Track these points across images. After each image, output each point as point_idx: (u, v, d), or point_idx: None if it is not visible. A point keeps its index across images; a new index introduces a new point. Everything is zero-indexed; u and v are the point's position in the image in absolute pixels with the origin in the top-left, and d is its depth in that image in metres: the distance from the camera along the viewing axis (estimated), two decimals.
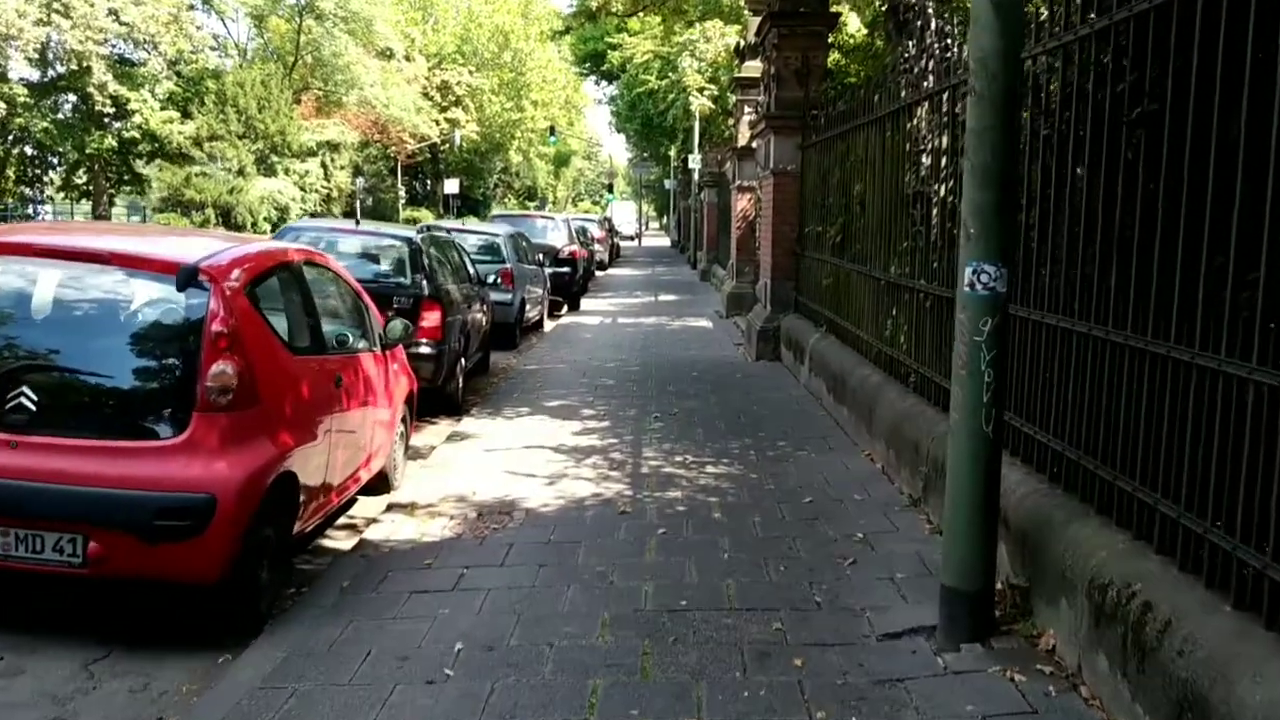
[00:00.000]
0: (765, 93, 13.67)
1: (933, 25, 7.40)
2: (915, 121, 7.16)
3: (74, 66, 39.77)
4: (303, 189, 42.67)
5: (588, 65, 46.82)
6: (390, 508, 6.72)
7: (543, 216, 21.81)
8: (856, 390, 8.19)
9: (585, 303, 22.74)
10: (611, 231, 42.39)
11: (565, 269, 20.38)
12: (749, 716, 3.72)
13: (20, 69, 39.22)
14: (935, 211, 6.64)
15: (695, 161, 32.84)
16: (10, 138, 41.34)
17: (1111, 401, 4.09)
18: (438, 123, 60.93)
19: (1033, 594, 4.38)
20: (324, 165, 44.53)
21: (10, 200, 44.06)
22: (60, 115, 43.34)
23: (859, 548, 5.59)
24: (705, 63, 23.00)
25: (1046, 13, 4.83)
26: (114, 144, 42.33)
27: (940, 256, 6.49)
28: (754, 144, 16.98)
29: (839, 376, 8.94)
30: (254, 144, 41.35)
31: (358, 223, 9.75)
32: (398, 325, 7.00)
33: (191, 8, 44.72)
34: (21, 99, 38.60)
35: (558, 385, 11.25)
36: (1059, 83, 4.64)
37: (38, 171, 45.02)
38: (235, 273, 4.97)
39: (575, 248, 20.62)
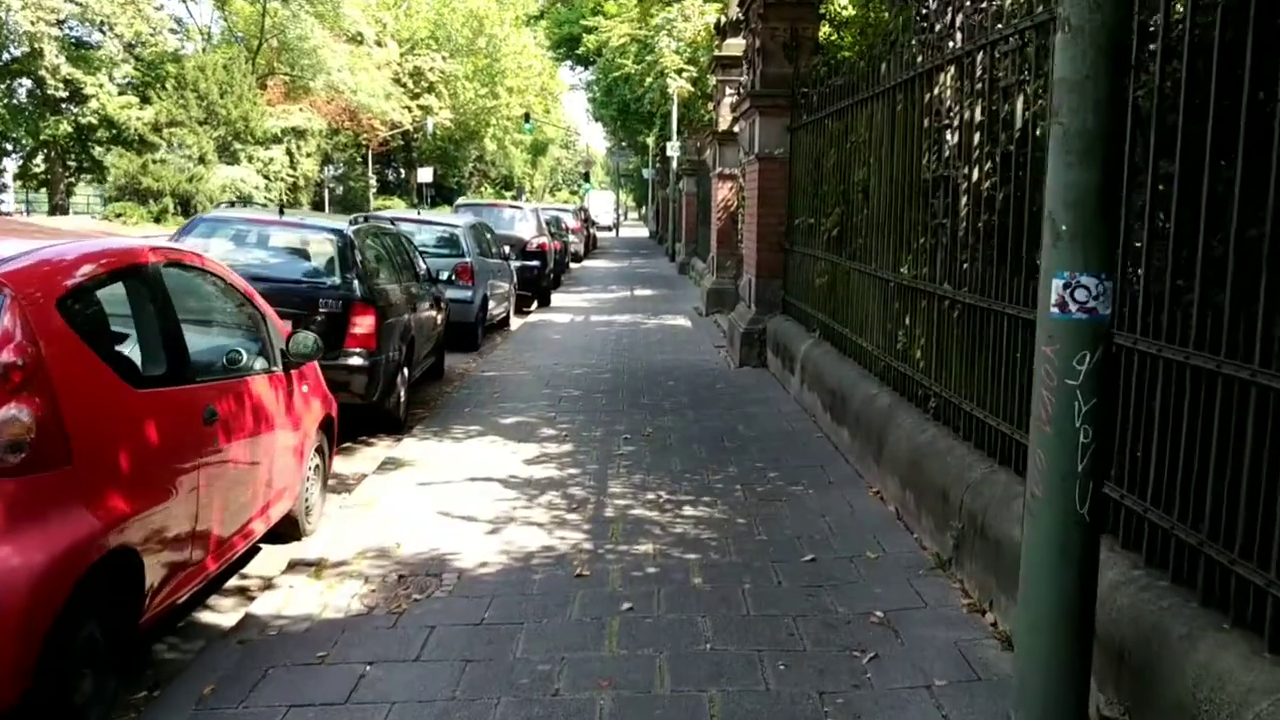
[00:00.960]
0: (749, 70, 12.39)
1: None
2: (937, 91, 5.91)
3: (26, 49, 38.08)
4: (267, 177, 41.11)
5: (562, 50, 45.31)
6: (293, 566, 5.42)
7: (510, 206, 20.47)
8: (861, 412, 6.94)
9: (556, 298, 21.44)
10: (587, 222, 41.06)
11: (534, 262, 19.06)
12: None
13: None
14: (965, 200, 5.39)
15: (673, 149, 31.50)
16: None
17: (1258, 469, 2.85)
18: (410, 110, 59.40)
19: None
20: (289, 153, 42.95)
21: None
22: (14, 100, 41.64)
23: (879, 634, 4.34)
24: (684, 43, 21.75)
25: None
26: (70, 130, 40.63)
27: (972, 256, 5.24)
28: (736, 127, 15.72)
29: (838, 393, 7.69)
30: (215, 130, 39.75)
31: (281, 212, 8.41)
32: (304, 339, 5.69)
33: None
34: None
35: (517, 396, 9.96)
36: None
37: None
38: (43, 281, 3.66)
39: (544, 239, 19.30)
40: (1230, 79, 3.10)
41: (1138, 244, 3.65)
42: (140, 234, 35.21)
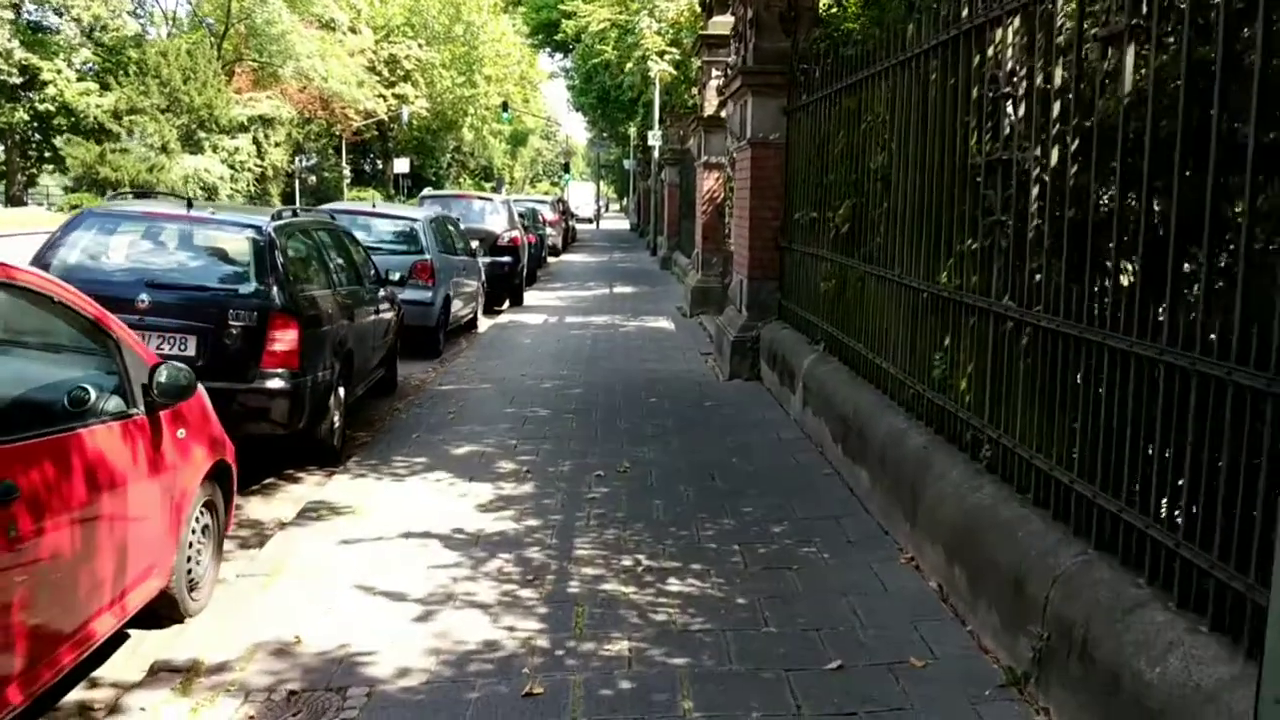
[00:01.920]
0: (740, 46, 11.08)
1: None
2: (993, 52, 4.62)
3: None
4: (233, 167, 39.54)
5: (541, 36, 43.87)
6: (156, 672, 4.11)
7: (480, 198, 19.09)
8: (886, 452, 5.66)
9: (531, 295, 20.10)
10: (566, 214, 39.66)
11: (505, 258, 17.70)
12: None
13: None
14: (1037, 191, 4.11)
15: (655, 138, 30.17)
16: None
17: None
18: (385, 98, 57.83)
19: None
20: (256, 142, 41.36)
21: None
22: None
23: None
24: (666, 23, 20.43)
25: None
26: (25, 118, 38.94)
27: (1047, 265, 3.97)
28: (724, 112, 14.43)
29: (852, 422, 6.41)
30: (178, 119, 38.13)
31: (190, 205, 7.06)
32: (173, 372, 4.35)
33: None
34: None
35: (476, 417, 8.65)
36: None
37: None
38: None
39: (516, 234, 17.95)
40: None
41: None
42: None
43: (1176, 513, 3.12)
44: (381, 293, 9.94)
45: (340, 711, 3.73)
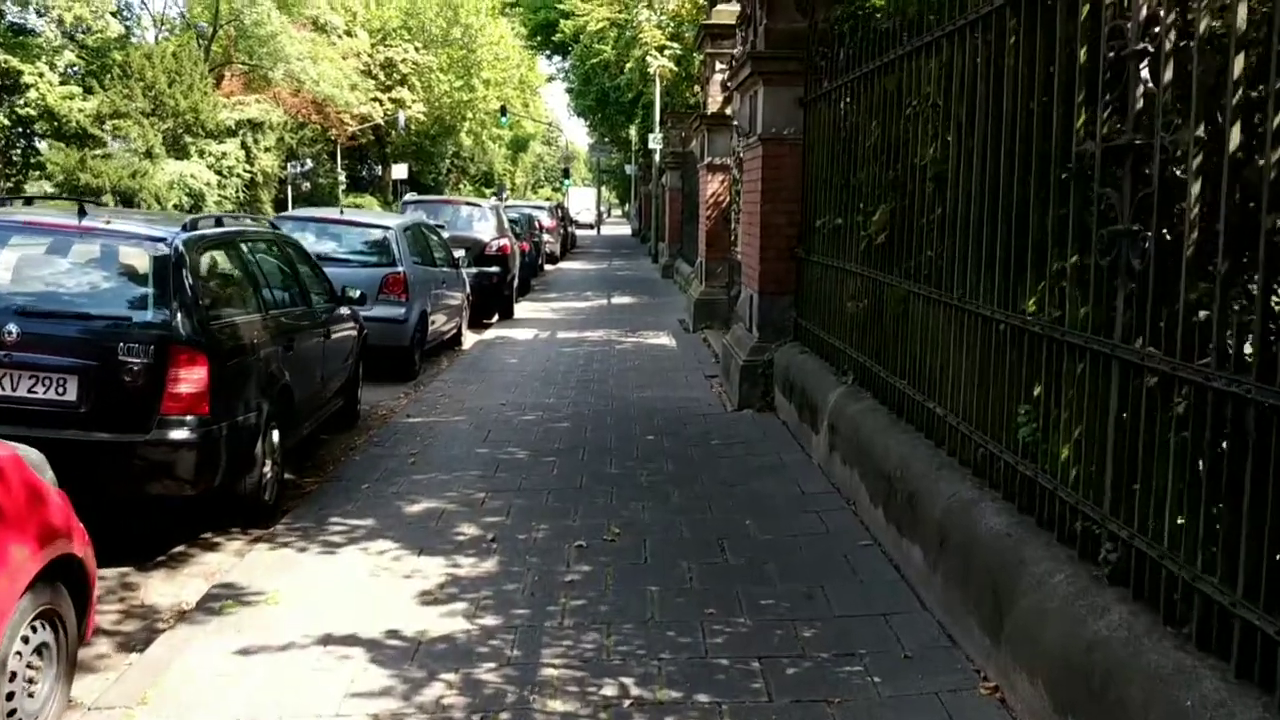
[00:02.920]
0: (748, 30, 9.80)
1: None
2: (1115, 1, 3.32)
3: None
4: (220, 173, 38.25)
5: (538, 38, 42.65)
6: None
7: (467, 203, 17.78)
8: (949, 529, 4.34)
9: (523, 307, 18.81)
10: (564, 220, 38.36)
11: (493, 268, 16.40)
12: None
13: None
14: (1200, 189, 2.81)
15: (656, 141, 28.91)
16: None
17: None
18: (380, 103, 56.60)
19: None
20: (245, 147, 40.07)
21: None
22: None
23: None
24: (666, 16, 19.15)
25: None
26: (5, 122, 37.71)
27: (1223, 296, 2.67)
28: (730, 108, 13.17)
29: (897, 482, 5.09)
30: (163, 123, 36.86)
31: (82, 213, 5.76)
32: None
33: None
34: None
35: (442, 460, 7.34)
36: None
37: None
38: None
39: (506, 242, 16.65)
40: None
41: None
42: None
43: None
44: (344, 311, 8.70)
45: None
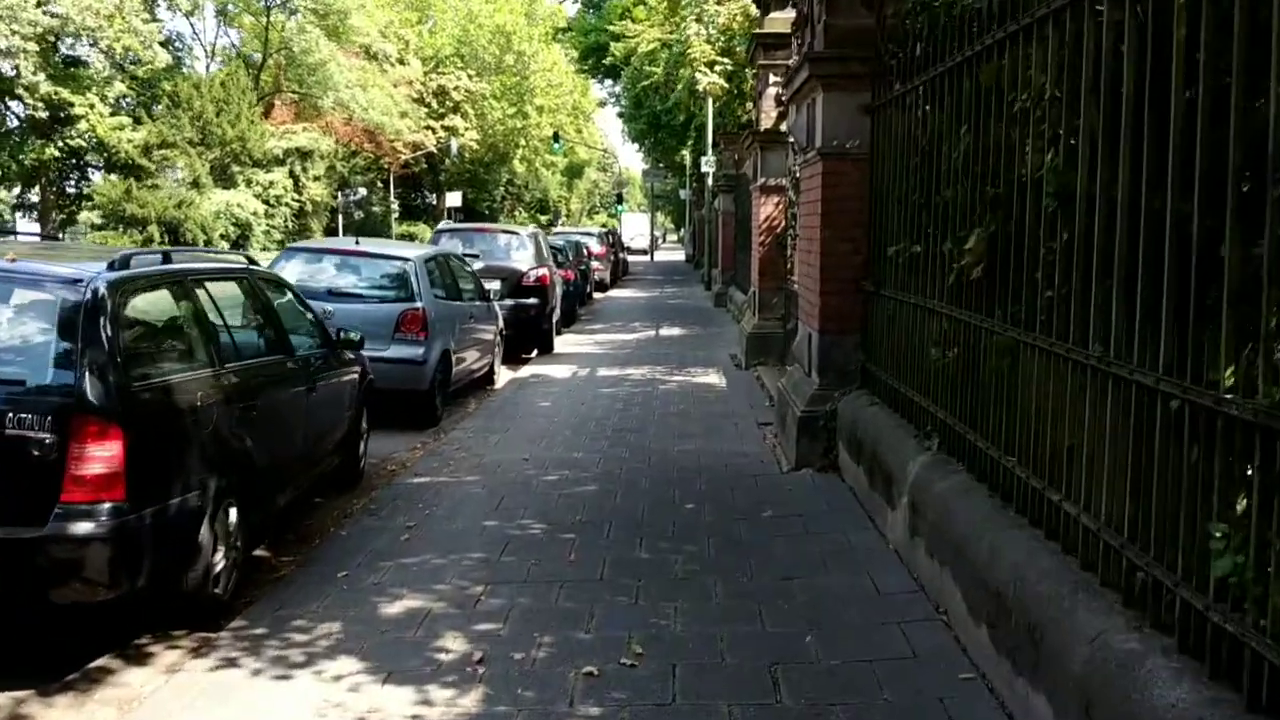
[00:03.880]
0: (805, 32, 8.61)
1: None
2: None
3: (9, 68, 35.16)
4: (267, 202, 37.81)
5: (590, 61, 41.80)
6: None
7: (504, 231, 16.71)
8: (1098, 699, 3.02)
9: (566, 339, 17.69)
10: (615, 246, 37.27)
11: (531, 300, 15.28)
12: None
13: None
14: None
15: (708, 164, 27.77)
16: None
17: None
18: (433, 130, 56.23)
19: None
20: (294, 175, 39.64)
21: None
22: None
23: None
24: (717, 30, 18.03)
25: None
26: (56, 154, 37.65)
27: None
28: (785, 124, 11.94)
29: (1010, 602, 3.78)
30: (211, 152, 36.53)
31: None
32: None
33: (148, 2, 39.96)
34: None
35: (439, 538, 6.17)
36: None
37: None
38: None
39: (544, 271, 15.53)
40: None
41: None
42: None
43: None
44: (343, 355, 7.63)
45: None
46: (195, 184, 35.58)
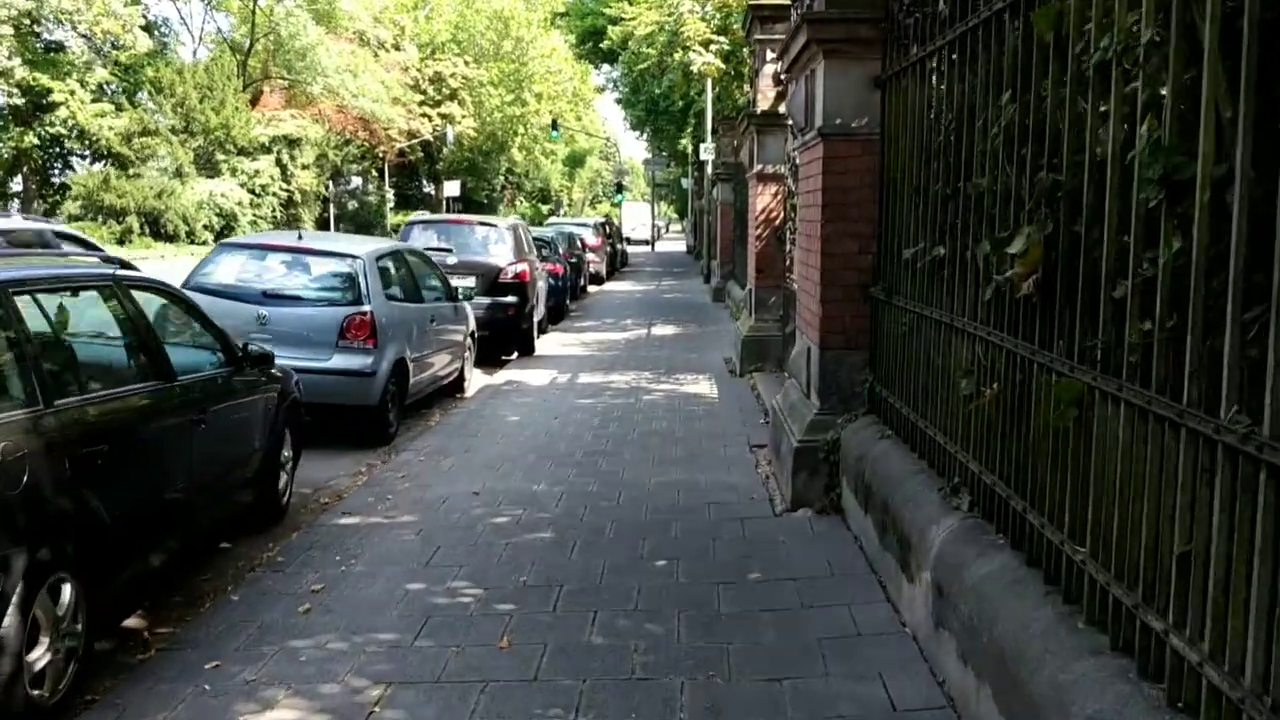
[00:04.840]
0: None
1: None
2: None
3: None
4: (253, 191, 36.57)
5: (587, 46, 40.48)
6: None
7: (482, 222, 15.45)
8: None
9: (550, 339, 16.50)
10: (611, 237, 35.96)
11: (509, 298, 14.07)
12: None
13: None
14: None
15: (707, 151, 26.50)
16: None
17: None
18: (429, 118, 54.97)
19: None
20: (281, 164, 38.37)
21: None
22: None
23: None
24: (713, 6, 16.74)
25: None
26: (35, 142, 36.44)
27: None
28: (783, 105, 10.74)
29: None
30: (194, 140, 35.29)
31: None
32: None
33: None
34: None
35: (346, 608, 4.98)
36: None
37: None
38: None
39: (523, 267, 14.30)
40: None
41: None
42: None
43: None
44: (267, 372, 6.49)
45: None
46: (178, 173, 34.33)
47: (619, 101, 39.67)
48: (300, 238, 9.58)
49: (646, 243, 61.75)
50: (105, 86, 39.10)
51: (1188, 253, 2.49)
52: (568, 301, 21.58)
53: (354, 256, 9.21)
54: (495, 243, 14.62)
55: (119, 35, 35.86)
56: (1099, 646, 2.90)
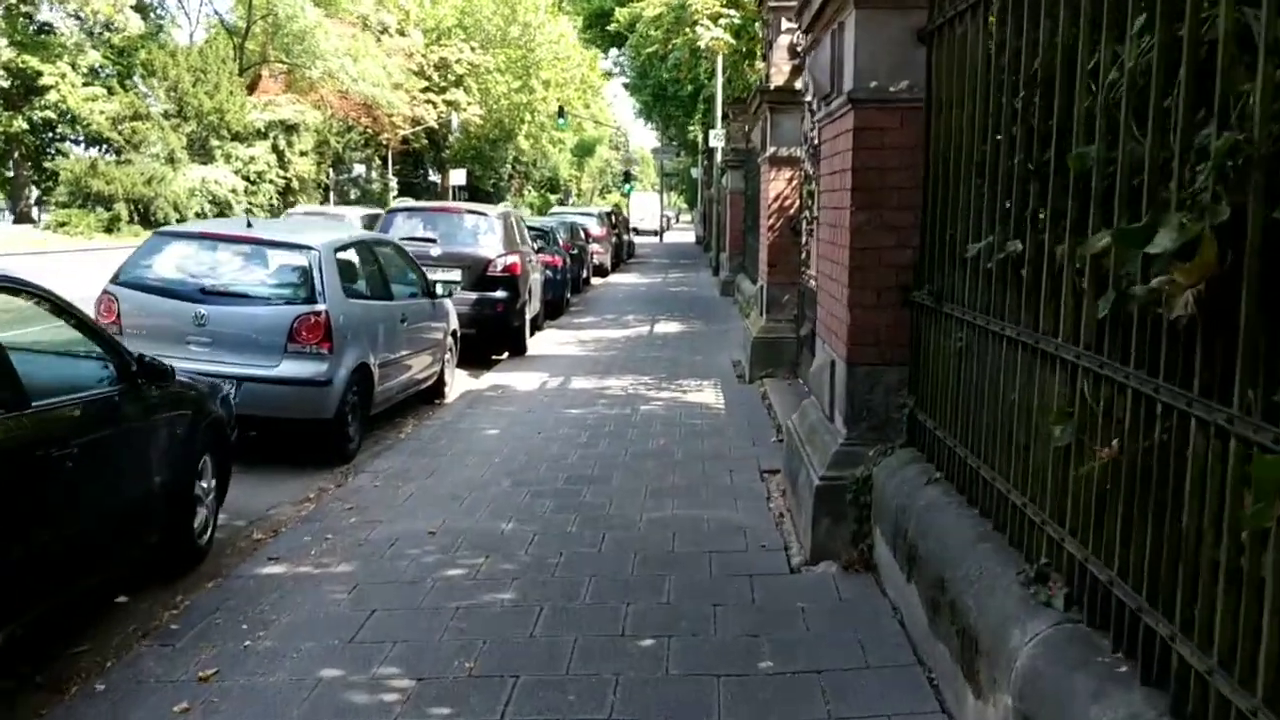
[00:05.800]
0: None
1: None
2: None
3: None
4: (248, 178, 35.42)
5: (594, 30, 39.22)
6: None
7: (470, 211, 14.20)
8: None
9: (545, 337, 15.36)
10: (617, 227, 34.71)
11: (498, 293, 12.89)
12: None
13: None
14: None
15: (717, 138, 25.27)
16: None
17: None
18: (434, 105, 53.74)
19: None
20: (278, 150, 37.20)
21: None
22: None
23: None
24: None
25: None
26: (25, 126, 35.36)
27: None
28: (800, 81, 9.56)
29: None
30: (187, 125, 34.15)
31: None
32: None
33: None
34: None
35: (232, 715, 3.83)
36: None
37: None
38: None
39: (514, 259, 13.12)
40: None
41: None
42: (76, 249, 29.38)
43: None
44: (187, 389, 5.38)
45: None
46: (170, 159, 33.19)
47: (627, 87, 38.41)
48: (250, 225, 8.39)
49: (655, 233, 60.51)
50: (99, 70, 38.02)
51: None
52: (568, 295, 20.43)
53: (308, 248, 8.03)
54: (484, 233, 13.42)
55: (110, 16, 34.70)
56: None
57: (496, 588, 4.98)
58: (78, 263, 21.18)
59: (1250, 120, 2.11)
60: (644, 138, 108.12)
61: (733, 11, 16.14)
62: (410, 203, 17.14)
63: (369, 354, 8.32)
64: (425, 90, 53.09)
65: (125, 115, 33.51)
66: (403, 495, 6.78)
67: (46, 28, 36.88)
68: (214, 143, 34.78)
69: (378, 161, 57.05)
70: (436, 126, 55.08)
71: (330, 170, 43.48)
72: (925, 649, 4.05)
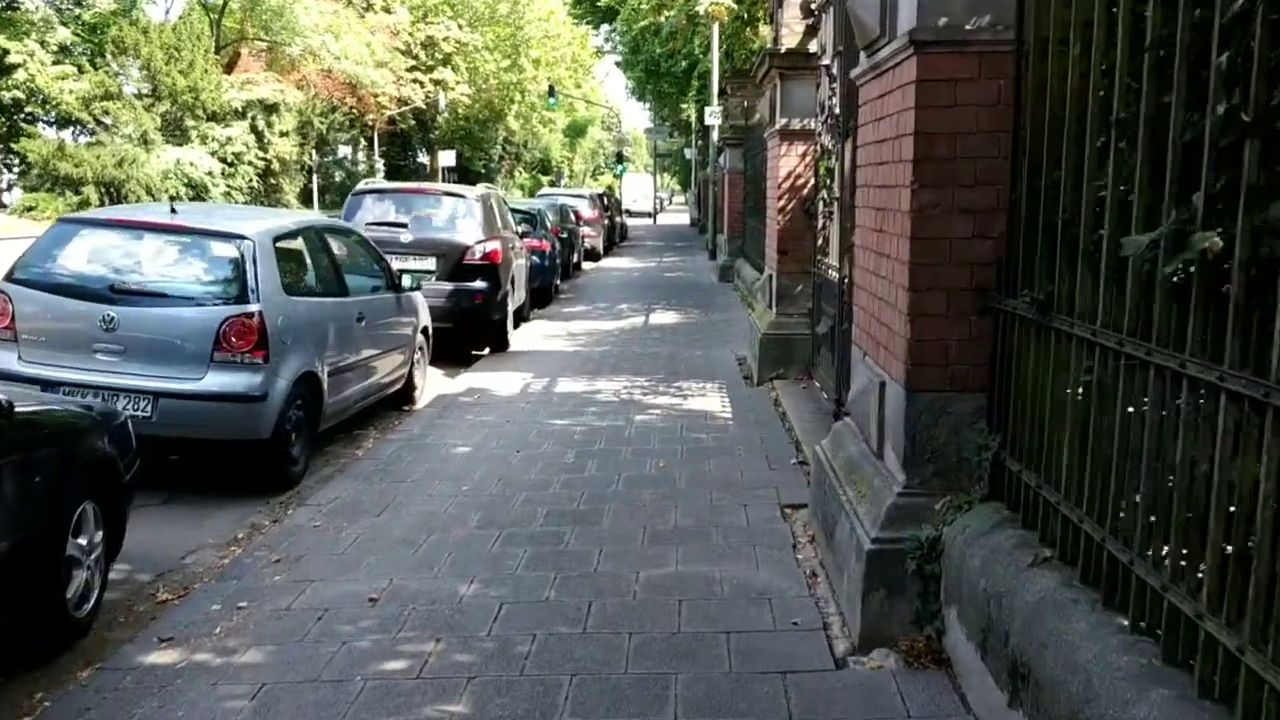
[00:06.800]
0: None
1: None
2: None
3: None
4: (225, 160, 33.99)
5: (584, 4, 37.81)
6: None
7: (446, 193, 12.84)
8: None
9: (531, 329, 14.12)
10: (608, 209, 33.37)
11: (477, 283, 11.61)
12: None
13: None
14: None
15: (713, 115, 23.96)
16: None
17: None
18: (421, 84, 52.26)
19: None
20: (256, 131, 35.75)
21: None
22: None
23: None
24: None
25: None
26: None
27: None
28: (814, 43, 8.32)
29: None
30: (161, 105, 32.71)
31: None
32: None
33: None
34: None
35: None
36: None
37: None
38: None
39: (494, 246, 11.85)
40: None
41: None
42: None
43: None
44: (55, 419, 4.13)
45: None
46: (144, 140, 31.76)
47: (619, 64, 37.03)
48: (173, 212, 7.10)
49: (648, 215, 59.16)
50: (69, 48, 36.54)
51: None
52: (557, 282, 19.17)
53: (240, 237, 6.74)
54: (462, 217, 12.13)
55: None
56: None
57: (444, 695, 3.74)
58: None
59: None
60: (637, 118, 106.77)
61: None
62: (380, 184, 15.76)
63: (316, 360, 7.07)
64: (412, 69, 51.61)
65: (96, 95, 32.05)
66: (346, 540, 5.54)
67: (13, 3, 35.38)
68: (189, 123, 33.33)
69: (363, 143, 55.58)
70: (424, 106, 53.64)
71: (314, 152, 41.91)
72: None
